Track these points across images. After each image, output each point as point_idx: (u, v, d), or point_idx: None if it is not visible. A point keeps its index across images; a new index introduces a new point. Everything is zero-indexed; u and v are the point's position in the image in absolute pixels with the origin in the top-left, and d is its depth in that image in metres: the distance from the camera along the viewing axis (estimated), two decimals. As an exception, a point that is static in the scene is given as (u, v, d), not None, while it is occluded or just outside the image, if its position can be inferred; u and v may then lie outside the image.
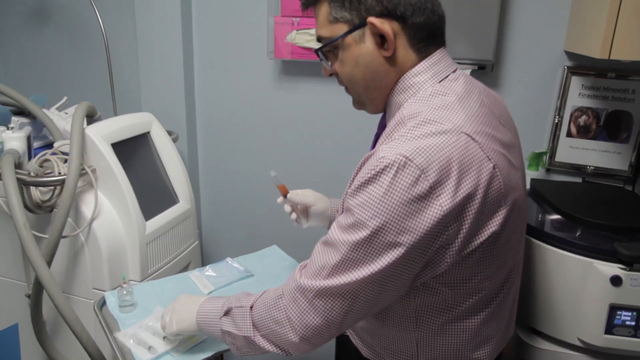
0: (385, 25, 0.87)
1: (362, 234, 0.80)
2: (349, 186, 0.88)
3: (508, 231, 0.86)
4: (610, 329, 1.23)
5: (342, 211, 0.88)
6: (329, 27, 0.92)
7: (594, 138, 1.66)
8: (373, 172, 0.80)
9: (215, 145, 2.09)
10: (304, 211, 1.34)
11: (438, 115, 0.83)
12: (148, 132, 1.71)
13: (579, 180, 1.70)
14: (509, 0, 1.63)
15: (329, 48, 0.94)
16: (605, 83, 1.61)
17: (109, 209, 1.50)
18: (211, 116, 2.06)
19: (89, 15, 1.97)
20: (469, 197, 0.79)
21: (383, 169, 0.79)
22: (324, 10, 0.92)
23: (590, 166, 1.68)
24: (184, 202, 1.73)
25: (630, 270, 1.18)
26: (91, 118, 1.66)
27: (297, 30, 1.77)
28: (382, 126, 1.05)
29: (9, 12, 2.23)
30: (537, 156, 1.69)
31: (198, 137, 2.10)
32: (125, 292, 1.30)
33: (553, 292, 1.30)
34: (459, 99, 0.87)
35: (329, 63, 0.97)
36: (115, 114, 1.91)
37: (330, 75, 1.00)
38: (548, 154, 1.71)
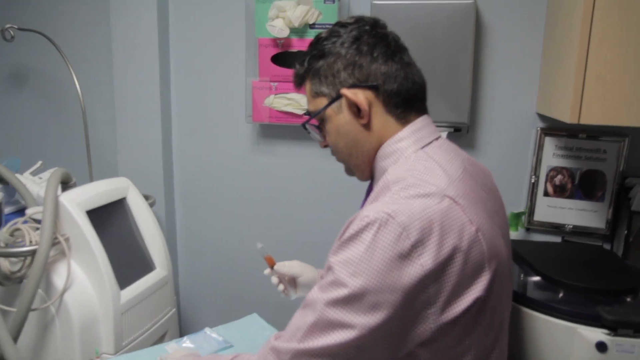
0: (359, 96, 0.91)
1: (341, 292, 0.78)
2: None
3: (494, 299, 0.84)
4: (599, 396, 1.21)
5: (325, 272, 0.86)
6: (313, 102, 0.98)
7: (571, 197, 1.68)
8: (355, 229, 0.80)
9: (193, 209, 2.07)
10: (292, 282, 1.33)
11: (421, 179, 0.85)
12: (124, 198, 1.69)
13: (558, 239, 1.71)
14: (481, 65, 1.68)
15: (318, 122, 0.98)
16: (578, 143, 1.65)
17: (82, 279, 1.45)
18: (189, 180, 2.05)
19: (65, 78, 1.97)
20: (449, 259, 0.78)
21: (365, 226, 0.78)
22: (308, 87, 0.99)
23: (568, 225, 1.69)
24: (160, 269, 1.68)
25: (614, 335, 1.17)
26: (66, 184, 1.64)
27: (275, 94, 1.79)
28: (369, 192, 1.05)
29: (-15, 76, 2.23)
30: (516, 216, 1.70)
31: (176, 201, 2.07)
32: (96, 370, 1.24)
33: (539, 358, 1.28)
34: (442, 164, 0.89)
35: (320, 135, 1.01)
36: (91, 178, 1.88)
37: (325, 146, 1.04)
38: (527, 214, 1.72)
